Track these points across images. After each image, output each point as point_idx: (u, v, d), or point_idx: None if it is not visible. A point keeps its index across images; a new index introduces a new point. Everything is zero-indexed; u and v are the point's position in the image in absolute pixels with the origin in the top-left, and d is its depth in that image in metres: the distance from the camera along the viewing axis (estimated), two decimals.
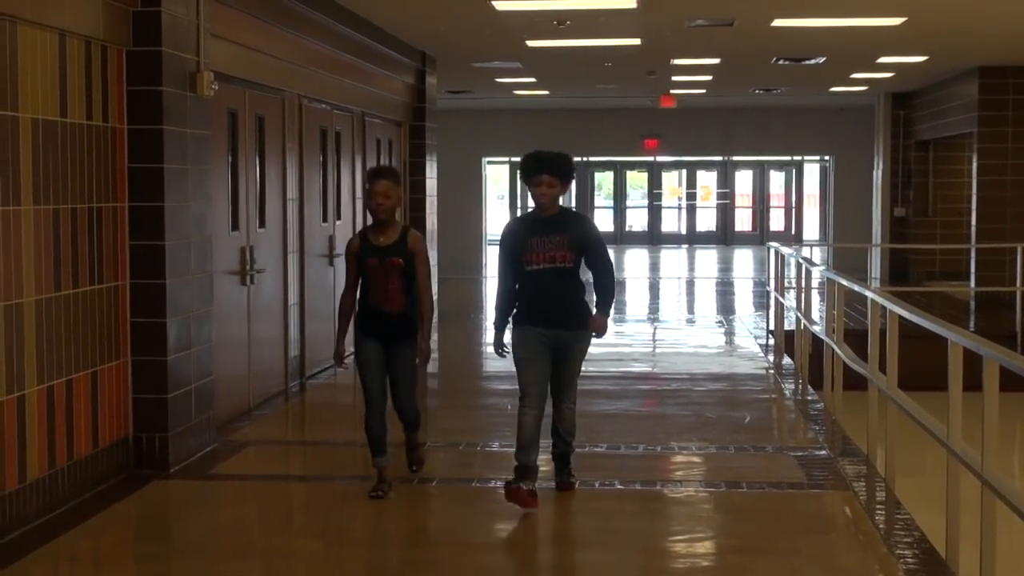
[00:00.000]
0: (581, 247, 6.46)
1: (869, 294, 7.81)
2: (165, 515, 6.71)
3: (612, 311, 6.78)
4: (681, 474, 7.52)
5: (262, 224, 9.54)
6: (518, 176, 6.80)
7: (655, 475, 7.47)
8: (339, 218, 11.69)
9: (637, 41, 13.75)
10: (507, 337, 6.63)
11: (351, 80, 11.81)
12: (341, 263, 11.77)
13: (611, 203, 33.75)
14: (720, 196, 33.49)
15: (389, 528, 6.37)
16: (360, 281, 6.65)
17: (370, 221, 6.77)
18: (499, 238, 6.69)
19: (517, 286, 6.52)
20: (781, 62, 16.15)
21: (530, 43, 13.89)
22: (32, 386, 6.08)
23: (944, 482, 5.67)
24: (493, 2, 10.95)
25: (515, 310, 6.54)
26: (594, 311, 6.57)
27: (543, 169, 6.44)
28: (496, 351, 6.70)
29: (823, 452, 7.83)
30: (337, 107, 11.60)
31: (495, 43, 14.07)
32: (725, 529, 6.31)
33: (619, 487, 7.00)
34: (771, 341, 13.31)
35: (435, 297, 7.68)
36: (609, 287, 6.57)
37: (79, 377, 6.56)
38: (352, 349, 6.81)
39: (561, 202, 6.65)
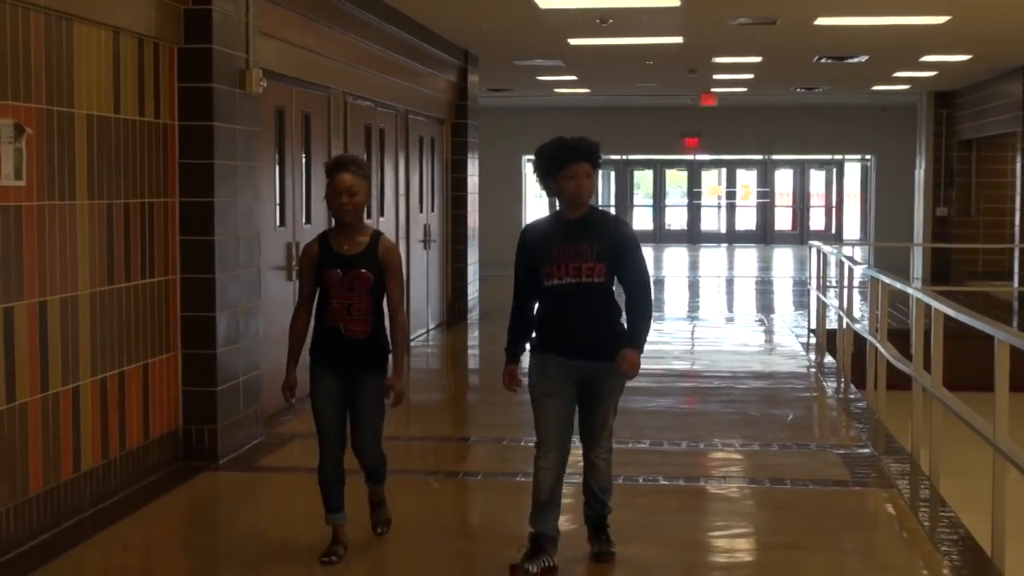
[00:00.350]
0: (615, 258, 5.17)
1: (914, 292, 7.81)
2: (214, 506, 6.82)
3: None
4: (724, 470, 7.53)
5: (308, 220, 9.63)
6: (535, 172, 5.31)
7: (698, 471, 7.50)
8: (382, 215, 11.78)
9: (679, 39, 13.76)
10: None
11: (395, 78, 11.90)
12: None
13: (650, 201, 33.74)
14: (760, 195, 33.41)
15: (434, 521, 6.44)
16: (317, 297, 5.45)
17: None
18: (518, 246, 5.40)
19: (538, 304, 5.31)
20: (823, 60, 16.11)
21: (572, 41, 13.93)
22: (86, 377, 6.19)
23: (989, 483, 5.67)
24: (537, 0, 11.00)
25: (533, 334, 5.36)
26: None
27: (582, 156, 5.17)
28: (507, 385, 5.42)
29: (867, 450, 7.83)
30: (381, 105, 11.68)
31: (538, 41, 14.12)
32: (769, 525, 6.34)
33: (663, 483, 7.04)
34: (812, 340, 13.29)
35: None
36: (647, 311, 5.24)
37: (131, 369, 6.67)
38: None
39: None
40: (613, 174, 32.94)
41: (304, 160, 9.56)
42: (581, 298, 5.15)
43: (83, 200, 6.14)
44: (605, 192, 33.04)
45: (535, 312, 5.32)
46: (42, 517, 5.81)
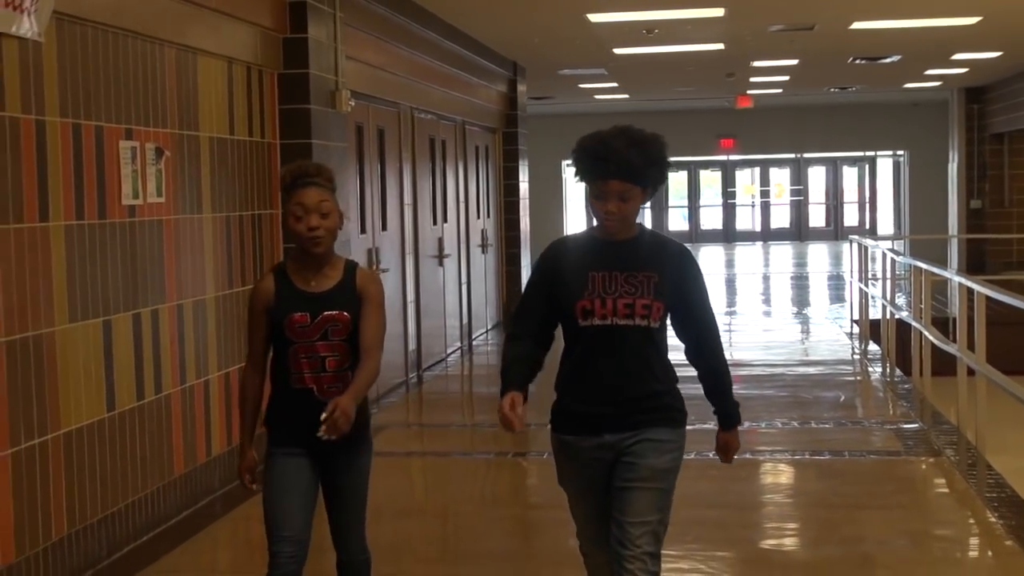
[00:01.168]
0: (676, 296, 3.80)
1: (956, 277, 8.45)
2: None
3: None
4: (786, 444, 8.19)
5: (384, 227, 10.34)
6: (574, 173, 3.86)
7: (762, 446, 8.16)
8: (446, 220, 12.49)
9: (720, 46, 14.39)
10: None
11: (454, 91, 12.61)
12: (450, 264, 12.74)
13: (685, 203, 34.37)
14: (793, 193, 33.99)
15: (526, 493, 7.13)
16: (273, 350, 4.15)
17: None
18: (535, 266, 3.95)
19: (564, 353, 3.86)
20: (857, 62, 16.69)
21: (617, 50, 14.58)
22: (213, 372, 6.92)
23: None
24: (588, 14, 11.67)
25: (556, 399, 3.91)
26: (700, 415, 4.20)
27: (611, 171, 3.70)
28: (505, 416, 3.70)
29: (916, 425, 8.47)
30: (442, 117, 12.39)
31: (584, 51, 14.77)
32: (832, 489, 7.00)
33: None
34: (855, 330, 13.90)
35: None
36: (726, 370, 4.01)
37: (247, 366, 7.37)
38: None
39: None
40: None
41: (380, 172, 10.27)
42: (630, 345, 3.75)
43: (208, 213, 6.87)
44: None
45: (563, 364, 3.88)
46: (184, 496, 6.53)
